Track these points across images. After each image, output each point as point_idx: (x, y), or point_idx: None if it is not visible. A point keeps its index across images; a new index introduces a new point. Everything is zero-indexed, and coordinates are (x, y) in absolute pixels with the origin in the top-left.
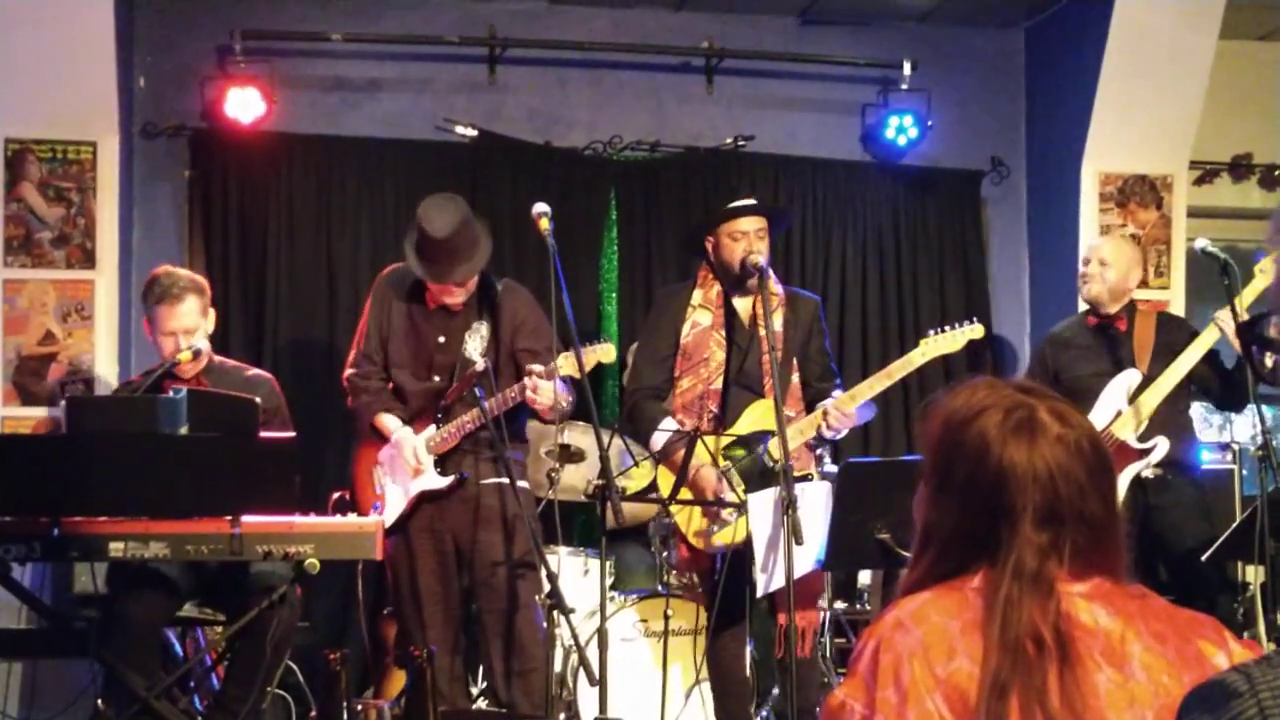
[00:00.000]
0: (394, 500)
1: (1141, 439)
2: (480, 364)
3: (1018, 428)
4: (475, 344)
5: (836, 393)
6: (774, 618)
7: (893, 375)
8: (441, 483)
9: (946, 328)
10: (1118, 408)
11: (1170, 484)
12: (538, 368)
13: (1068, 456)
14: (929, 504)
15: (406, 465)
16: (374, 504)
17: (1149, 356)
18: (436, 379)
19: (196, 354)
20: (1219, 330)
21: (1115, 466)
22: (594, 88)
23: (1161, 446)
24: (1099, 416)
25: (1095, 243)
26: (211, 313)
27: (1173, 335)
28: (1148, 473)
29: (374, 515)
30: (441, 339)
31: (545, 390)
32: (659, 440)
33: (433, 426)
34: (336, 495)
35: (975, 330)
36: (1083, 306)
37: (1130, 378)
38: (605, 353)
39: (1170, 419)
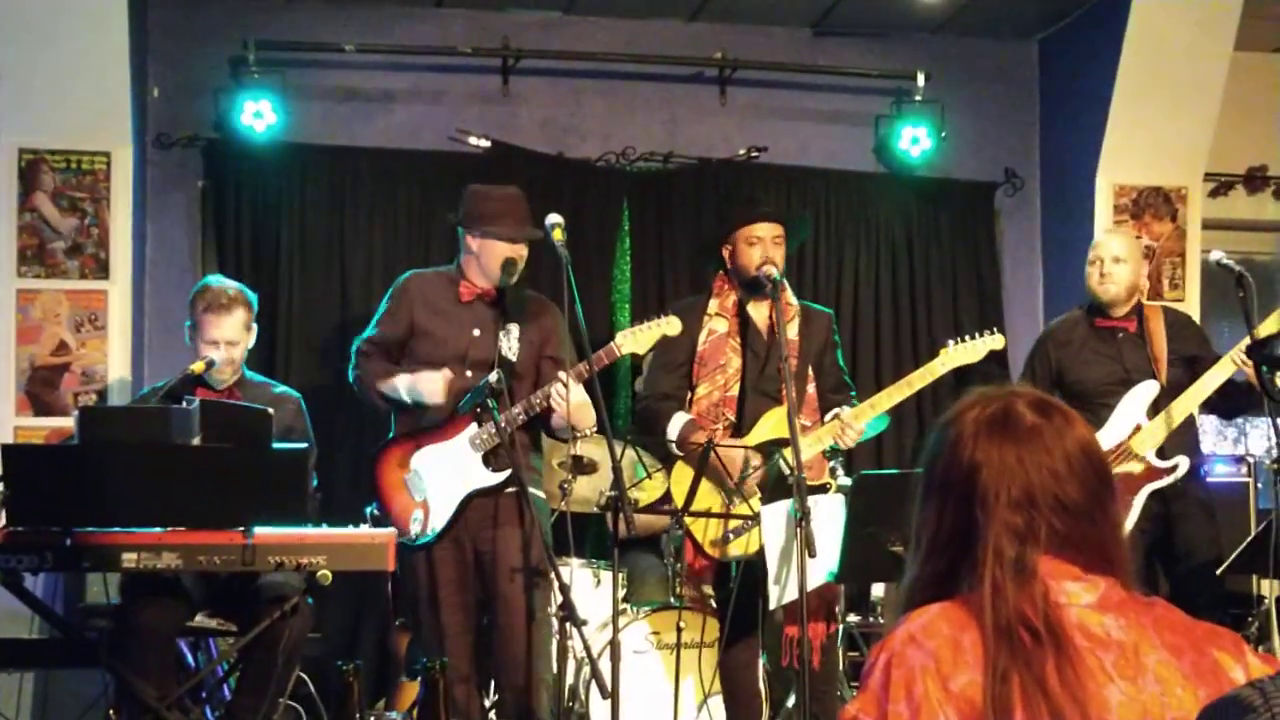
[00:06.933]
0: (441, 504)
1: (1161, 455)
2: (494, 376)
3: (991, 420)
4: (509, 344)
5: (846, 408)
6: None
7: (913, 385)
8: (496, 479)
9: (967, 338)
10: (1136, 421)
11: (1181, 491)
12: (563, 375)
13: (1041, 445)
14: (919, 506)
15: (432, 388)
16: (413, 513)
17: (1164, 368)
18: (470, 375)
19: (210, 365)
20: (1235, 365)
21: (1134, 485)
22: (607, 99)
23: (1183, 466)
24: (1116, 429)
25: (1101, 239)
26: (254, 327)
27: (1184, 343)
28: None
29: (414, 525)
30: (477, 332)
31: (575, 392)
32: (676, 425)
33: (474, 424)
34: (369, 509)
35: (996, 340)
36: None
37: (1149, 389)
38: (670, 324)
39: (1181, 430)
